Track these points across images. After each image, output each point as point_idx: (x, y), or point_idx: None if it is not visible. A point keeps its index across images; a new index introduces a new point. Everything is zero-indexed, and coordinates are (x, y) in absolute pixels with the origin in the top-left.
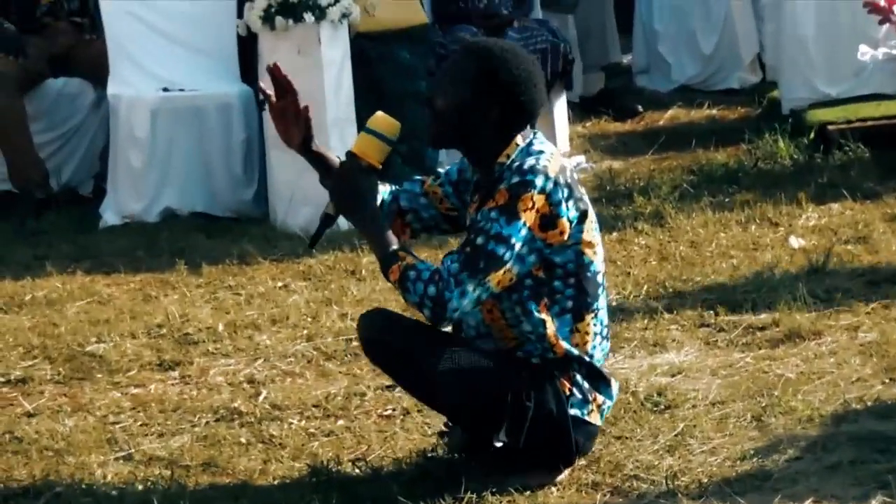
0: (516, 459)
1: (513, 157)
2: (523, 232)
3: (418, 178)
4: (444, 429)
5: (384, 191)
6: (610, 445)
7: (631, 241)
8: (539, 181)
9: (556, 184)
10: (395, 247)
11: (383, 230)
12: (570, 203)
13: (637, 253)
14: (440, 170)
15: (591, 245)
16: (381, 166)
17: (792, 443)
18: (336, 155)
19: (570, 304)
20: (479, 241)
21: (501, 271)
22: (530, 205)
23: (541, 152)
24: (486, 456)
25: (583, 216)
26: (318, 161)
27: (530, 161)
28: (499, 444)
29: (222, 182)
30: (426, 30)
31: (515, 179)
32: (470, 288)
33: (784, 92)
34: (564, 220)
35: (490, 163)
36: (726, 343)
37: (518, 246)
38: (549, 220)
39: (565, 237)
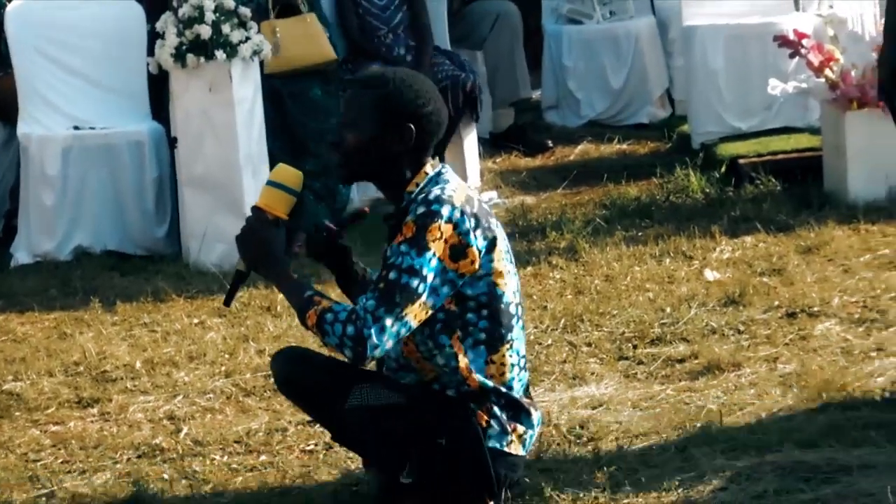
0: (441, 494)
1: (421, 185)
2: (434, 262)
3: None
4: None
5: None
6: (535, 478)
7: (546, 276)
8: (445, 211)
9: (462, 213)
10: (309, 292)
11: (293, 279)
12: (478, 232)
13: (552, 287)
14: None
15: (501, 275)
16: (287, 217)
17: (716, 473)
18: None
19: (483, 336)
20: (392, 275)
21: (417, 304)
22: (438, 235)
23: (447, 181)
24: (411, 491)
25: (491, 245)
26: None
27: (435, 191)
28: (405, 482)
29: (134, 220)
30: (337, 67)
31: (421, 210)
32: (388, 323)
33: (694, 126)
34: (474, 248)
35: (399, 193)
36: (646, 375)
37: (430, 277)
38: (458, 249)
39: (476, 266)
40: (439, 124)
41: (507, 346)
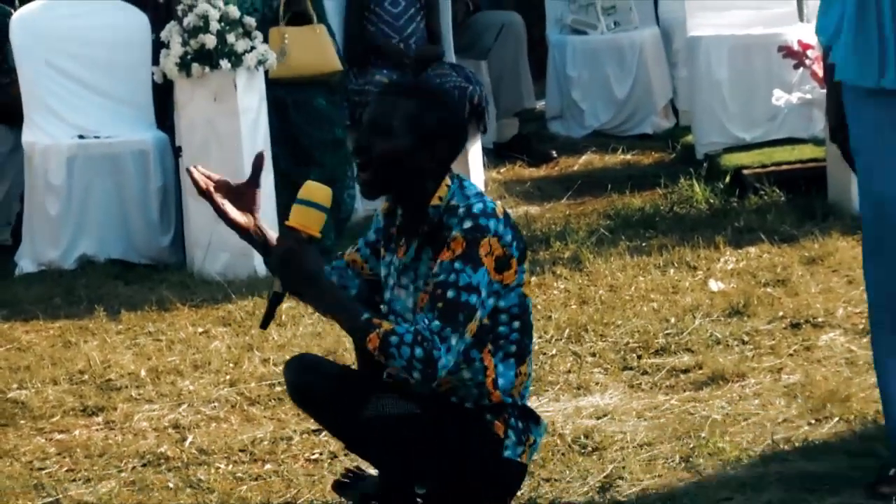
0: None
1: (446, 198)
2: (486, 277)
3: (340, 253)
4: (342, 479)
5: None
6: (539, 487)
7: (550, 286)
8: (492, 225)
9: (505, 225)
10: (366, 315)
11: (344, 299)
12: (515, 243)
13: (557, 297)
14: (360, 239)
15: (528, 285)
16: (320, 235)
17: (721, 483)
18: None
19: (513, 348)
20: (451, 294)
21: (475, 319)
22: (488, 249)
23: (480, 194)
24: (427, 502)
25: (523, 256)
26: (260, 240)
27: (479, 204)
28: (420, 492)
29: (139, 229)
30: (342, 76)
31: (468, 224)
32: (454, 342)
33: (698, 136)
34: (515, 259)
35: (421, 206)
36: (650, 385)
37: (483, 292)
38: (503, 261)
39: (515, 276)
40: (466, 140)
41: (529, 356)
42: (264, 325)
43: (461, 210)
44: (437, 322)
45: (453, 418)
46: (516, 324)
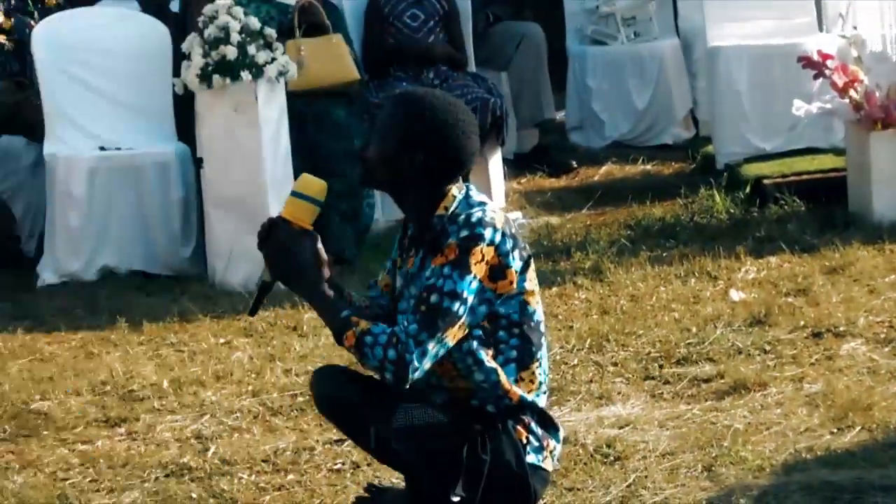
0: None
1: (451, 208)
2: (474, 284)
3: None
4: (364, 495)
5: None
6: (562, 497)
7: (571, 296)
8: (488, 233)
9: (503, 235)
10: (345, 312)
11: (329, 295)
12: (516, 253)
13: (578, 307)
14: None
15: (533, 294)
16: (312, 228)
17: (744, 492)
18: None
19: (514, 353)
20: (434, 299)
21: (457, 326)
22: (480, 257)
23: (483, 204)
24: None
25: (526, 265)
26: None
27: (477, 213)
28: (456, 499)
29: (160, 240)
30: (362, 88)
31: (465, 233)
32: (430, 347)
33: (718, 147)
34: (512, 269)
35: (425, 215)
36: (672, 395)
37: (470, 299)
38: (498, 270)
39: (514, 286)
40: (457, 162)
41: (537, 363)
42: (252, 312)
43: (461, 218)
44: (414, 326)
45: (477, 425)
46: (515, 330)
